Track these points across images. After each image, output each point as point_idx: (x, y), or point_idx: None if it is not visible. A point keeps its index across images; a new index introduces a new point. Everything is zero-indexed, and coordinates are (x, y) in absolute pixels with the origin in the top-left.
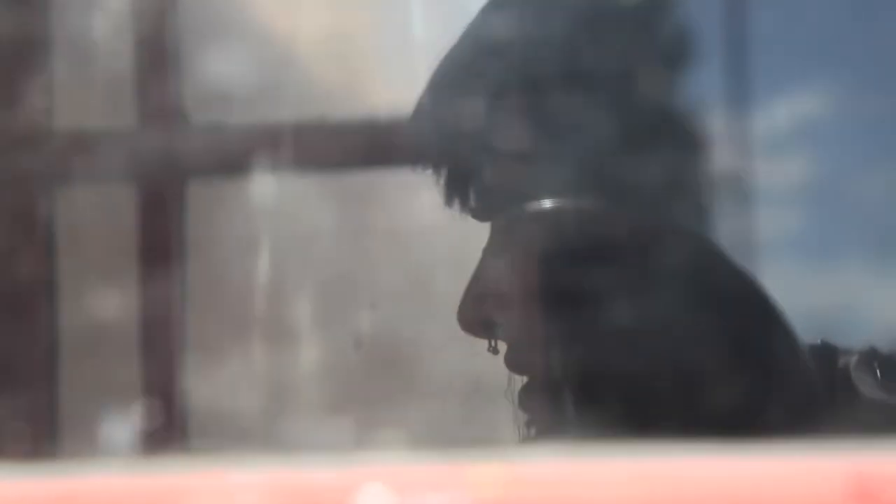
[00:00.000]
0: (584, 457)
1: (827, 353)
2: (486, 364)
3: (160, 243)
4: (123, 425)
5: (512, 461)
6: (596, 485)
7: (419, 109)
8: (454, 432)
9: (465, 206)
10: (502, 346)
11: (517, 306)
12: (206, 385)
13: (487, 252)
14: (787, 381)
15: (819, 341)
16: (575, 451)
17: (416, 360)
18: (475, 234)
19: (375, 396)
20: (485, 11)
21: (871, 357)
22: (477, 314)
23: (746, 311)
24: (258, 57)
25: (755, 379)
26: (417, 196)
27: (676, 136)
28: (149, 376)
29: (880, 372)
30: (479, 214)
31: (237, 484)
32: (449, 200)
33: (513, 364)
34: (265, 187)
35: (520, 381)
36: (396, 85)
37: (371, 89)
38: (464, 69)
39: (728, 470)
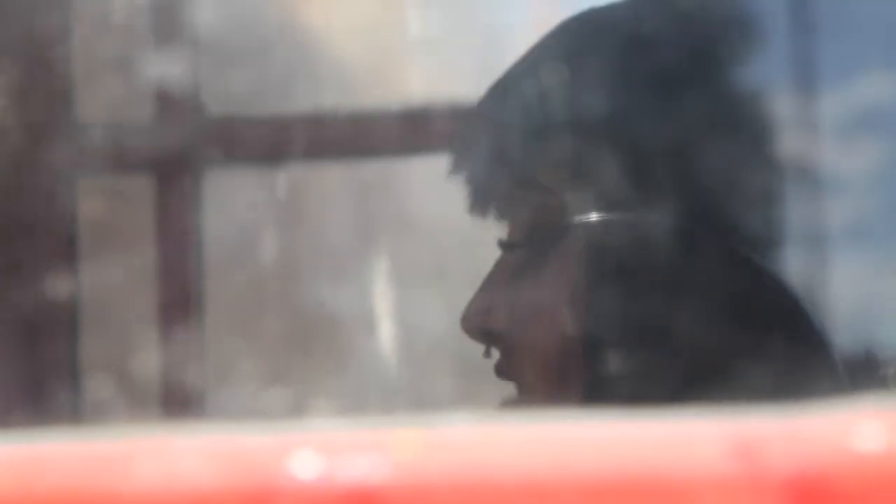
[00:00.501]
0: (496, 423)
1: (868, 362)
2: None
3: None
4: (68, 396)
5: (431, 427)
6: (502, 446)
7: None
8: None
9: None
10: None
11: (524, 326)
12: (150, 359)
13: (504, 267)
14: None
15: (862, 349)
16: (488, 418)
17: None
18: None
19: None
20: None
21: None
22: (482, 324)
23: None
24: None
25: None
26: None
27: (742, 130)
28: (94, 350)
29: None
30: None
31: (177, 448)
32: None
33: (503, 373)
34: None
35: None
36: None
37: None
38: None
39: (620, 433)
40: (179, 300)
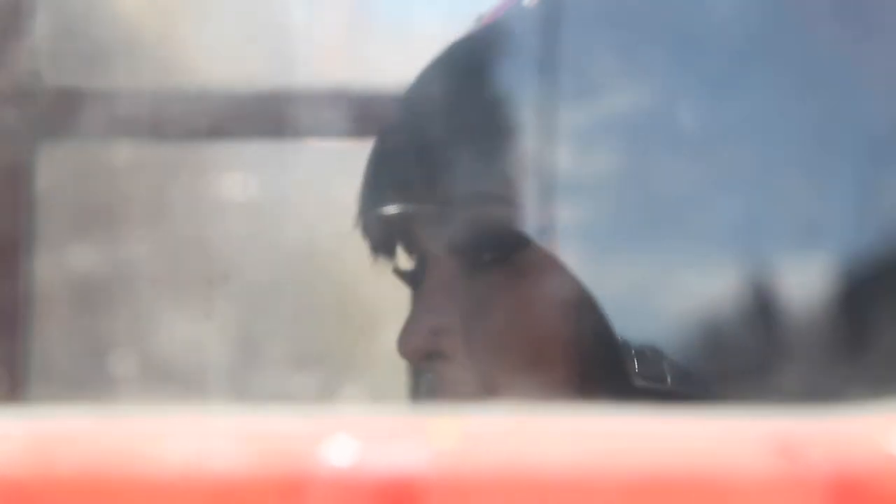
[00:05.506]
0: (535, 414)
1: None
2: None
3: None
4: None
5: (468, 416)
6: (543, 438)
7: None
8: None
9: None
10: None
11: (482, 345)
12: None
13: (436, 286)
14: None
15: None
16: (526, 409)
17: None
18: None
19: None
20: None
21: (641, 358)
22: (433, 346)
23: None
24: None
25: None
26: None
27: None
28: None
29: (669, 371)
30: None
31: (209, 428)
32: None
33: (445, 392)
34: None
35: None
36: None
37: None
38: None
39: (661, 429)
40: (3, 274)
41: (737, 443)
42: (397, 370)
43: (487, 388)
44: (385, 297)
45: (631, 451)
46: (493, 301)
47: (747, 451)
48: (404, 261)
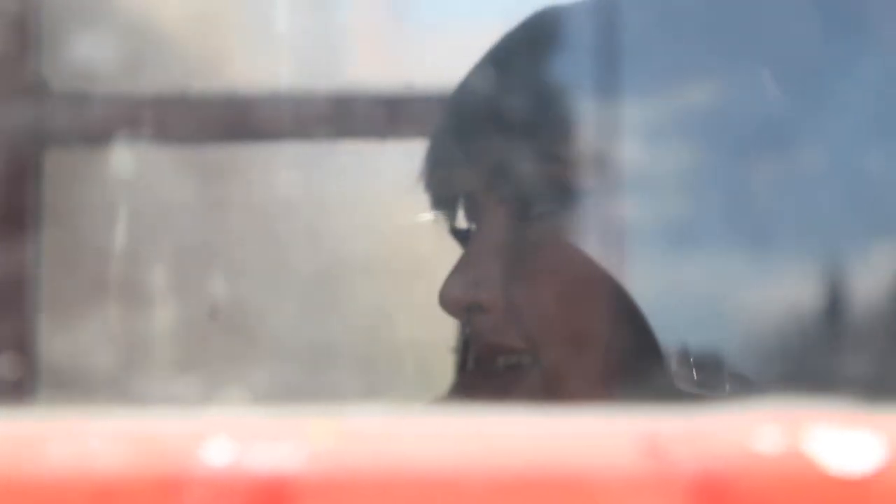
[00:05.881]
0: (411, 414)
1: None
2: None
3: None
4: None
5: (346, 417)
6: (418, 438)
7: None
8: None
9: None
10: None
11: (517, 300)
12: (63, 342)
13: (483, 240)
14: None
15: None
16: (405, 409)
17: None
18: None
19: (226, 357)
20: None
21: (686, 363)
22: (465, 298)
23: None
24: (123, 32)
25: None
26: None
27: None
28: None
29: (696, 371)
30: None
31: (90, 432)
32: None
33: (489, 353)
34: (126, 159)
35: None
36: (258, 62)
37: (233, 65)
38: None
39: (534, 429)
40: (14, 281)
41: (606, 442)
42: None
43: (524, 343)
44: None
45: (502, 450)
46: (535, 257)
47: (615, 450)
48: (461, 221)
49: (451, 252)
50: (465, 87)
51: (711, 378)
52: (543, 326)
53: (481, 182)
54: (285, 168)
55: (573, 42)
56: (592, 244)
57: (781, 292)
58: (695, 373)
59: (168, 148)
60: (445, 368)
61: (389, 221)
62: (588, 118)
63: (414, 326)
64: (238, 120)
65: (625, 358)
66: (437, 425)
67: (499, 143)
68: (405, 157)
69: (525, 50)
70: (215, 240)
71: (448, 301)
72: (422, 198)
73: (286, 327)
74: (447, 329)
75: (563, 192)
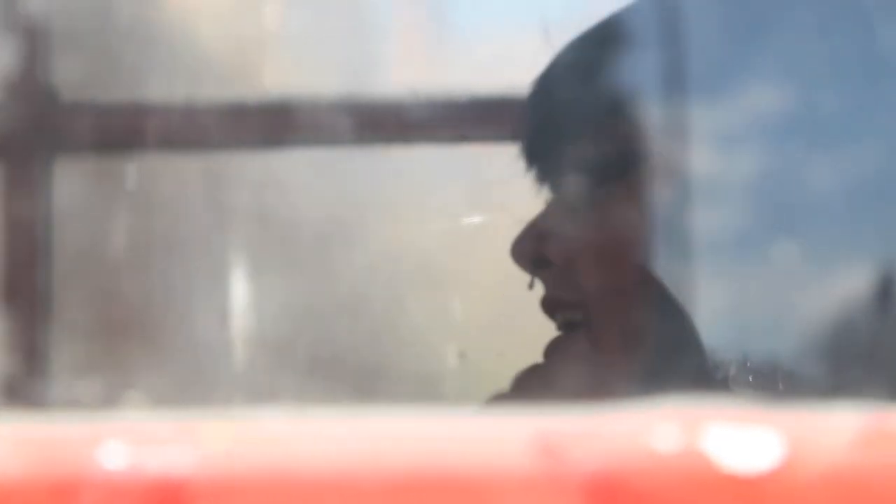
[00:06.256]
0: (307, 417)
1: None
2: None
3: None
4: None
5: (242, 420)
6: (312, 440)
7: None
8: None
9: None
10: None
11: (576, 255)
12: None
13: (558, 199)
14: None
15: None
16: (299, 411)
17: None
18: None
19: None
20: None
21: (744, 370)
22: (533, 250)
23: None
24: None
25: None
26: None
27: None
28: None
29: (753, 381)
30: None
31: None
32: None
33: (549, 307)
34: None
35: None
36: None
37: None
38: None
39: (429, 430)
40: (25, 287)
41: (502, 442)
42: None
43: (577, 299)
44: None
45: (395, 452)
46: (599, 221)
47: (511, 451)
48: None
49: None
50: (545, 77)
51: (767, 381)
52: (593, 286)
53: (560, 154)
54: (323, 175)
55: (640, 47)
56: (659, 247)
57: (841, 296)
58: (751, 377)
59: (212, 156)
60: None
61: (429, 226)
62: (655, 122)
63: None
64: (277, 127)
65: (663, 344)
66: (331, 427)
67: (576, 125)
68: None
69: (595, 53)
70: (250, 245)
71: (514, 253)
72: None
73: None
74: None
75: (630, 166)
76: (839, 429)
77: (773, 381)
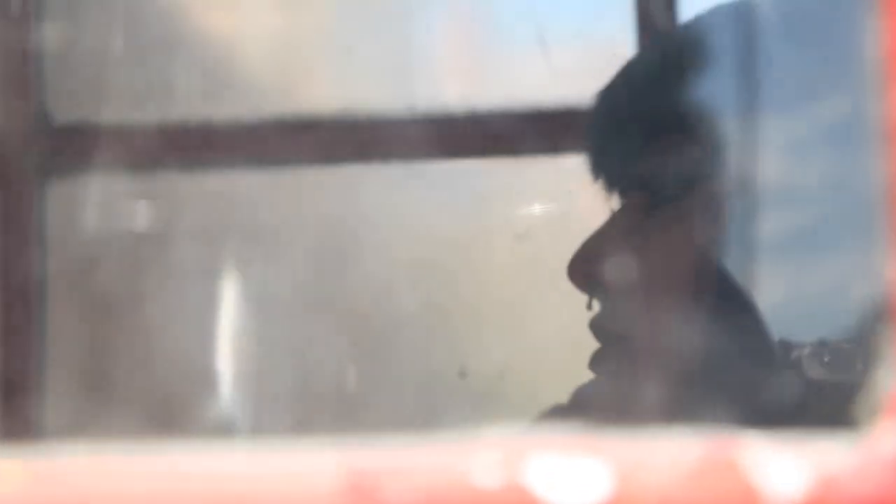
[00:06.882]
0: (107, 453)
1: (782, 347)
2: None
3: None
4: None
5: (34, 458)
6: (111, 476)
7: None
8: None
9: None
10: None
11: (627, 277)
12: None
13: (619, 218)
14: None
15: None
16: (97, 448)
17: None
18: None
19: None
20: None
21: (821, 348)
22: (588, 269)
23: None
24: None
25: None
26: None
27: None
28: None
29: (829, 361)
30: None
31: None
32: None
33: (598, 329)
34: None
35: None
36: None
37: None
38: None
39: (233, 465)
40: (20, 309)
41: (309, 478)
42: None
43: (623, 328)
44: None
45: (198, 488)
46: (654, 234)
47: (318, 489)
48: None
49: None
50: (608, 91)
51: (844, 362)
52: (641, 315)
53: (623, 172)
54: (371, 188)
55: (712, 58)
56: (729, 255)
57: None
58: (827, 358)
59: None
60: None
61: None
62: (728, 134)
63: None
64: (321, 142)
65: (728, 360)
66: (133, 463)
67: (639, 143)
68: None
69: (663, 65)
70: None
71: (570, 271)
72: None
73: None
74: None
75: (690, 190)
76: (675, 458)
77: (852, 360)
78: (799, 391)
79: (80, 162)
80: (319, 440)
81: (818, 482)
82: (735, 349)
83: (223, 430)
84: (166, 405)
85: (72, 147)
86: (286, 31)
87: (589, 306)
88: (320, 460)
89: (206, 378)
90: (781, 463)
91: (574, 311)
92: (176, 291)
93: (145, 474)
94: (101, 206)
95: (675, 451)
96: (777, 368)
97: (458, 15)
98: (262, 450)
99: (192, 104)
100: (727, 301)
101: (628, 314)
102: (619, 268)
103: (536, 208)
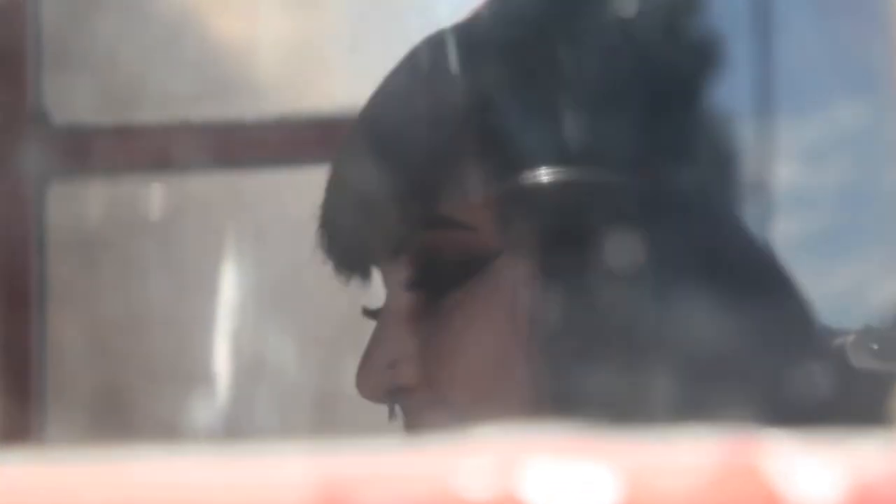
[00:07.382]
0: (62, 462)
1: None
2: None
3: None
4: None
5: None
6: (64, 488)
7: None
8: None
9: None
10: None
11: (435, 372)
12: None
13: (391, 318)
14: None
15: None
16: (53, 456)
17: None
18: None
19: None
20: None
21: (868, 335)
22: (389, 380)
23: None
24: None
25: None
26: None
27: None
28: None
29: (878, 347)
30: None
31: None
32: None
33: (414, 426)
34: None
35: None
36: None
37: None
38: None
39: (199, 474)
40: (18, 310)
41: (280, 490)
42: None
43: (457, 415)
44: None
45: (160, 498)
46: (450, 325)
47: (289, 497)
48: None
49: None
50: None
51: (891, 349)
52: (473, 398)
53: (383, 252)
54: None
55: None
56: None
57: None
58: (876, 346)
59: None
60: None
61: None
62: (748, 144)
63: None
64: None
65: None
66: (94, 473)
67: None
68: None
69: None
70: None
71: (366, 390)
72: None
73: None
74: None
75: (468, 257)
76: (691, 464)
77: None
78: (842, 382)
79: (80, 162)
80: (289, 445)
81: (853, 490)
82: (769, 336)
83: (217, 431)
84: (166, 405)
85: (72, 147)
86: (297, 33)
87: (392, 416)
88: (289, 469)
89: (205, 378)
90: (812, 468)
91: None
92: (176, 291)
93: (96, 486)
94: (101, 207)
95: (690, 455)
96: (818, 357)
97: None
98: (227, 456)
99: (193, 105)
100: (761, 284)
101: (447, 405)
102: (416, 363)
103: None
